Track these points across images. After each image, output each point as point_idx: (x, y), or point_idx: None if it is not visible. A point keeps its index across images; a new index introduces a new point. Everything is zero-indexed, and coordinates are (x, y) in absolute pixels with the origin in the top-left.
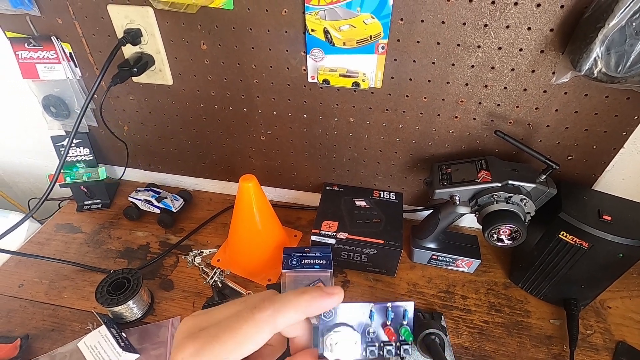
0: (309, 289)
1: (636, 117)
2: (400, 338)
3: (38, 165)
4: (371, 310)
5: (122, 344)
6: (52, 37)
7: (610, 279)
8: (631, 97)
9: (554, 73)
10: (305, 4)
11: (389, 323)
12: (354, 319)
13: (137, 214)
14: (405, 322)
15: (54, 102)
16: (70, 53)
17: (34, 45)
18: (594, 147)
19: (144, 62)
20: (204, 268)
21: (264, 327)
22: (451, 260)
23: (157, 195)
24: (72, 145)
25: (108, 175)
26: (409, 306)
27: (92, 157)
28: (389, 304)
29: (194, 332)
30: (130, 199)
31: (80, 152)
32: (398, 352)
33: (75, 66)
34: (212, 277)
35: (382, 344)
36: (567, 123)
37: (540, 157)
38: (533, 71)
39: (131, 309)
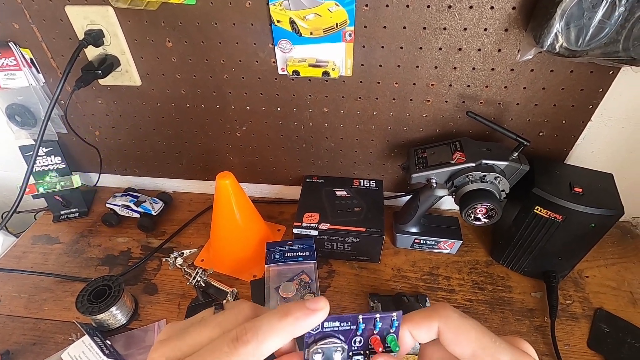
0: (292, 307)
1: (601, 90)
2: (387, 346)
3: (10, 177)
4: (359, 321)
5: (107, 351)
6: (9, 43)
7: (585, 249)
8: (594, 71)
9: (519, 51)
10: None
11: (375, 332)
12: (341, 330)
13: (116, 220)
14: (392, 331)
15: (19, 111)
16: (30, 59)
17: None
18: (564, 121)
19: (108, 64)
20: (186, 269)
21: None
22: (433, 242)
23: (136, 200)
24: (42, 154)
25: (83, 183)
26: (398, 315)
27: (64, 165)
28: (377, 315)
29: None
30: (108, 205)
31: (51, 160)
32: None
33: (38, 72)
34: (194, 277)
35: (368, 352)
36: (536, 100)
37: (511, 135)
38: (499, 50)
39: (114, 316)
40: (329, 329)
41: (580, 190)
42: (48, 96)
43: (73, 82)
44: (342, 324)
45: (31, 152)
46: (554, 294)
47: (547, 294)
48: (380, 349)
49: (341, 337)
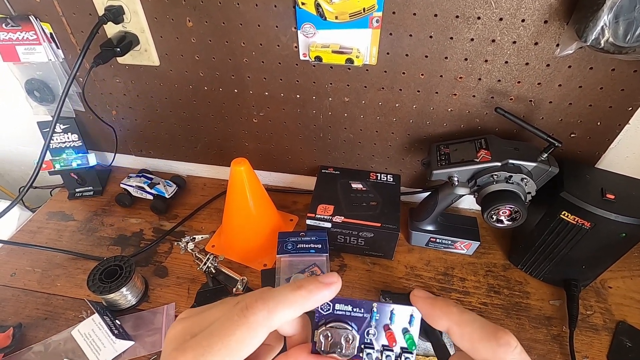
0: (304, 281)
1: None
2: (403, 345)
3: (29, 152)
4: (372, 309)
5: (116, 331)
6: (30, 17)
7: (612, 259)
8: (639, 70)
9: (557, 45)
10: None
11: (391, 326)
12: (353, 316)
13: (129, 201)
14: (410, 328)
15: (38, 86)
16: (50, 34)
17: (12, 26)
18: (598, 123)
19: (127, 42)
20: (197, 254)
21: (259, 330)
22: (450, 242)
23: (150, 182)
24: (59, 130)
25: (99, 162)
26: (416, 312)
27: (81, 143)
28: (394, 306)
29: (184, 342)
30: (122, 185)
31: (68, 137)
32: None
33: (58, 47)
34: (205, 263)
35: (382, 349)
36: (571, 99)
37: (541, 134)
38: (536, 43)
39: (125, 296)
40: (339, 312)
41: (612, 196)
42: (67, 73)
43: (92, 59)
44: (354, 309)
45: (48, 128)
46: (575, 303)
47: (567, 302)
48: (395, 345)
49: (353, 324)
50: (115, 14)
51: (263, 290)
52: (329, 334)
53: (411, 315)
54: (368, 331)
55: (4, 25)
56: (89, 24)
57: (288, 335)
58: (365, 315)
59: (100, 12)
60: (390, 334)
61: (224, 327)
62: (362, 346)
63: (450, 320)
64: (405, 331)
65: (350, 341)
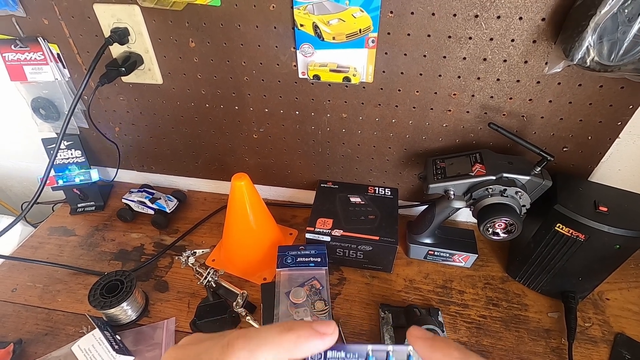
0: (296, 324)
1: (631, 107)
2: None
3: (31, 169)
4: (368, 354)
5: (116, 346)
6: (38, 38)
7: (608, 270)
8: (625, 86)
9: (546, 63)
10: None
11: None
12: None
13: (131, 216)
14: None
15: (43, 104)
16: (57, 54)
17: (20, 47)
18: (589, 137)
19: (132, 62)
20: (197, 268)
21: None
22: (448, 255)
23: (151, 196)
24: (63, 147)
25: (101, 177)
26: (414, 352)
27: (84, 159)
28: (390, 348)
29: None
30: (123, 200)
31: (72, 154)
32: None
33: (64, 67)
34: (205, 277)
35: None
36: (562, 114)
37: (534, 149)
38: (526, 62)
39: (125, 311)
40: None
41: (605, 209)
42: (72, 91)
43: (97, 78)
44: (347, 355)
45: (53, 145)
46: (573, 315)
47: (565, 314)
48: None
49: None
50: (121, 36)
51: (249, 329)
52: None
53: (409, 356)
54: None
55: (12, 46)
56: (94, 44)
57: None
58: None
59: (107, 33)
60: None
61: None
62: None
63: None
64: None
65: None
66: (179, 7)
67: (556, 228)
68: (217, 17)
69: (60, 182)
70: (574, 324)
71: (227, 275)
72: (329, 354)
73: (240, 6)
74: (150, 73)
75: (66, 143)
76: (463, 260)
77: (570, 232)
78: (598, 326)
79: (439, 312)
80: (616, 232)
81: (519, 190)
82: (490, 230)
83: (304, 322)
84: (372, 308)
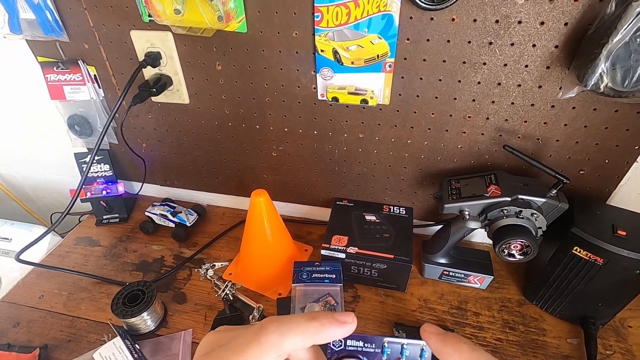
0: (320, 314)
1: None
2: None
3: (61, 181)
4: (384, 345)
5: (136, 355)
6: (79, 61)
7: (629, 296)
8: None
9: (560, 88)
10: (315, 27)
11: None
12: (365, 351)
13: (152, 228)
14: None
15: (79, 121)
16: (95, 75)
17: (62, 69)
18: (606, 161)
19: (162, 83)
20: (215, 281)
21: (269, 351)
22: (463, 275)
23: (173, 210)
24: (94, 161)
25: (126, 191)
26: (427, 347)
27: (112, 173)
28: (405, 341)
29: (212, 350)
30: (146, 213)
31: (100, 168)
32: None
33: (99, 87)
34: (223, 290)
35: None
36: (577, 137)
37: (550, 171)
38: (540, 87)
39: (145, 321)
40: (351, 347)
41: (624, 233)
42: (105, 109)
43: (130, 98)
44: (365, 345)
45: (84, 159)
46: (593, 342)
47: (585, 341)
48: None
49: (365, 359)
50: (154, 59)
51: (280, 316)
52: None
53: (422, 350)
54: None
55: (55, 68)
56: (128, 67)
57: None
58: (376, 350)
59: (141, 57)
60: None
61: (240, 343)
62: None
63: (461, 358)
64: None
65: None
66: (209, 34)
67: (573, 251)
68: (243, 43)
69: (89, 194)
70: (594, 352)
71: (243, 289)
72: (349, 342)
73: (265, 33)
74: (178, 93)
75: (96, 157)
76: (478, 281)
77: (588, 255)
78: (620, 354)
79: (454, 333)
80: (636, 257)
81: (535, 212)
82: (506, 251)
83: (327, 312)
84: (386, 327)
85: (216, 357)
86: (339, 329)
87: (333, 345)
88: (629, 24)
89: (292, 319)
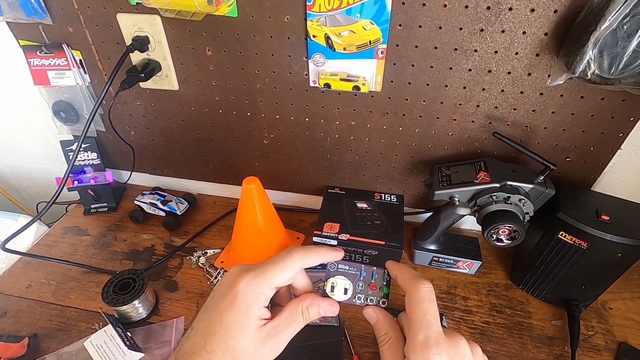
0: (325, 246)
1: (632, 119)
2: (381, 293)
3: (47, 169)
4: (362, 269)
5: (128, 342)
6: (63, 45)
7: (610, 279)
8: (626, 99)
9: (549, 76)
10: (307, 11)
11: (373, 281)
12: (349, 272)
13: (142, 217)
14: (384, 283)
15: (64, 108)
16: (80, 60)
17: (45, 53)
18: (592, 148)
19: (151, 68)
20: (207, 269)
21: (297, 261)
22: (452, 261)
23: (163, 199)
24: (81, 149)
25: (114, 179)
26: (389, 271)
27: (99, 161)
28: (374, 268)
29: (246, 269)
30: (136, 202)
31: (88, 156)
32: (378, 301)
33: (85, 72)
34: (215, 277)
35: (368, 294)
36: (564, 125)
37: (537, 158)
38: (529, 74)
39: (136, 309)
40: (341, 269)
41: (607, 218)
42: (92, 95)
43: (117, 84)
44: (350, 268)
45: (71, 147)
46: (576, 324)
47: (568, 322)
48: (375, 290)
49: (348, 279)
50: (142, 44)
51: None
52: (334, 282)
53: (386, 274)
54: (358, 283)
55: (38, 52)
56: (116, 51)
57: (299, 287)
58: (356, 272)
59: (128, 41)
60: (373, 285)
61: (276, 259)
62: (354, 293)
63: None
64: (383, 285)
65: (347, 288)
66: (199, 18)
67: (559, 236)
68: (233, 28)
69: (76, 183)
70: (577, 332)
71: None
72: (340, 265)
73: (256, 17)
74: (167, 79)
75: (83, 145)
76: (467, 267)
77: (572, 240)
78: (601, 335)
79: (443, 317)
80: (618, 240)
81: (523, 197)
82: (494, 236)
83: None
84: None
85: (256, 269)
86: (336, 252)
87: (330, 266)
88: (616, 12)
89: (310, 247)
